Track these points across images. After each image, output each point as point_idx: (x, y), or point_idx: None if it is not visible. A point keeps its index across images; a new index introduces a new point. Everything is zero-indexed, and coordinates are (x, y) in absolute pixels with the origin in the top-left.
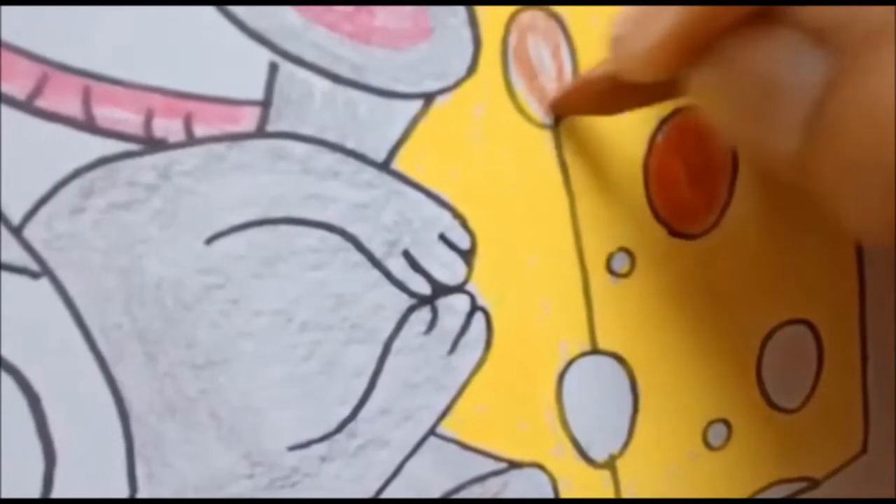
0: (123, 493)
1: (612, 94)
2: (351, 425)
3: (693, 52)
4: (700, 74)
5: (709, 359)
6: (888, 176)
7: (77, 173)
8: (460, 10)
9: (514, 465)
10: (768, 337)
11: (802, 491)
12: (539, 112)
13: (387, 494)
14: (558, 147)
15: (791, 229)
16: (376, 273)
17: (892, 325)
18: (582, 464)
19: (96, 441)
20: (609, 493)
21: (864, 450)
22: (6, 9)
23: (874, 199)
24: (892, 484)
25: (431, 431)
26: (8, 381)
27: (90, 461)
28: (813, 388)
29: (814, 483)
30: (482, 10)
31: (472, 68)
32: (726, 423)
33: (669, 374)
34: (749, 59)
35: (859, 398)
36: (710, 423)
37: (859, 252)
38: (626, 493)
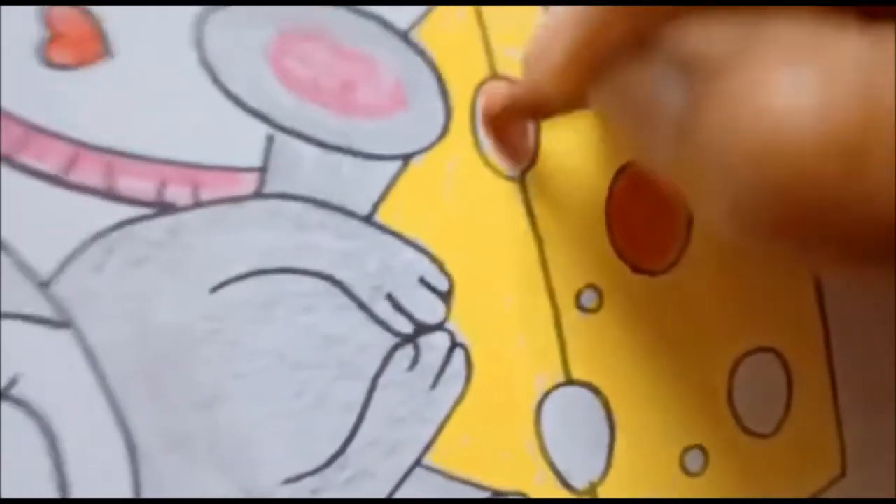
0: None
1: (532, 109)
2: (341, 458)
3: (589, 72)
4: (596, 92)
5: (680, 387)
6: (725, 184)
7: (99, 235)
8: (433, 84)
9: (497, 493)
10: (736, 364)
11: None
12: (506, 166)
13: None
14: (525, 196)
15: (749, 262)
16: (362, 315)
17: (859, 347)
18: (563, 491)
19: (107, 477)
20: None
21: (842, 473)
22: (40, 93)
23: (716, 202)
24: None
25: (417, 463)
26: (30, 423)
27: (100, 496)
28: (785, 413)
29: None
30: (452, 83)
31: (444, 131)
32: (702, 449)
33: (643, 403)
34: (629, 82)
35: (832, 421)
36: (686, 449)
37: (817, 281)
38: None
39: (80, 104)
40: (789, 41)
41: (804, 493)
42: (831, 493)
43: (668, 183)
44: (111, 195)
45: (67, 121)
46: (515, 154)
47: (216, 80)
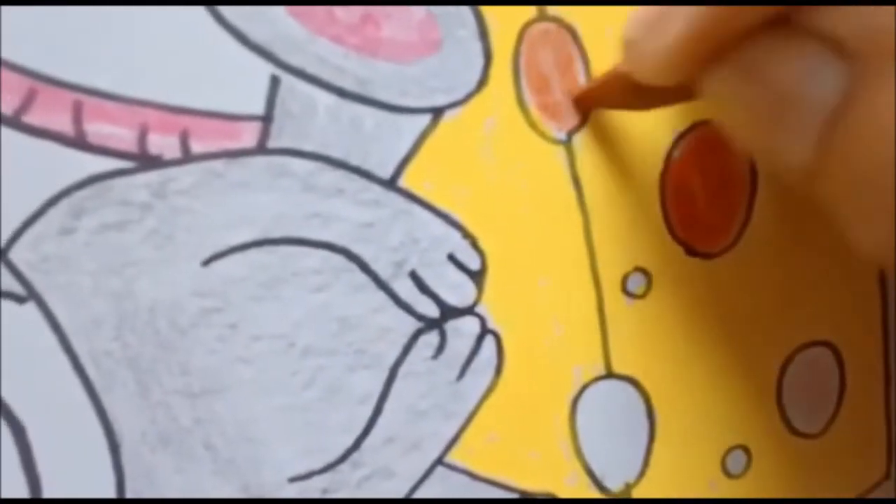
0: None
1: (631, 91)
2: (355, 455)
3: (708, 55)
4: (715, 79)
5: (727, 383)
6: (891, 197)
7: (67, 192)
8: (470, 22)
9: (525, 495)
10: (789, 360)
11: None
12: (552, 127)
13: None
14: (572, 163)
15: (812, 248)
16: (382, 295)
17: None
18: (596, 493)
19: (84, 474)
20: None
21: (887, 475)
22: None
23: (877, 218)
24: None
25: (439, 461)
26: None
27: (77, 495)
28: (835, 413)
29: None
30: (493, 22)
31: (482, 82)
32: (745, 449)
33: (687, 399)
34: (766, 66)
35: (882, 422)
36: (730, 449)
37: (881, 271)
38: None
39: (44, 30)
40: None
41: (848, 496)
42: (875, 496)
43: (734, 149)
44: (80, 143)
45: (27, 52)
46: None
47: (211, 8)
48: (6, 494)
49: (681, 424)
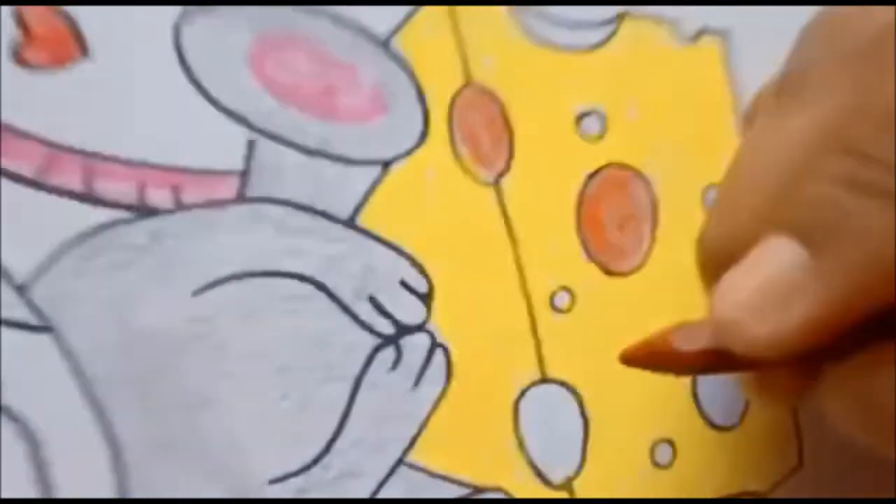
0: None
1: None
2: (326, 458)
3: (830, 339)
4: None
5: (649, 383)
6: None
7: (79, 238)
8: (411, 91)
9: (478, 489)
10: None
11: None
12: (482, 172)
13: None
14: (500, 201)
15: None
16: (345, 317)
17: None
18: (540, 486)
19: (92, 482)
20: None
21: (800, 463)
22: (15, 94)
23: None
24: (833, 495)
25: (401, 461)
26: (11, 429)
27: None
28: (746, 406)
29: (758, 497)
30: (430, 90)
31: (422, 138)
32: (671, 442)
33: (615, 399)
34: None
35: (790, 413)
36: (656, 443)
37: None
38: None
39: (57, 105)
40: None
41: (767, 483)
42: (791, 484)
43: (636, 186)
44: (90, 198)
45: (44, 122)
46: None
47: (196, 83)
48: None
49: (611, 421)
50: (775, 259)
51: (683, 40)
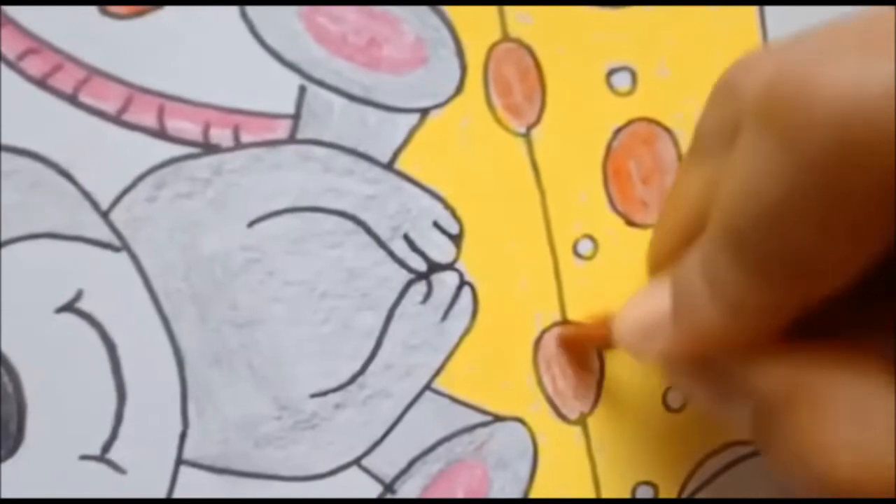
0: (177, 428)
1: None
2: (361, 378)
3: (681, 363)
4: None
5: None
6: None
7: (152, 170)
8: (450, 43)
9: (498, 418)
10: None
11: (753, 454)
12: (514, 123)
13: (390, 440)
14: (530, 151)
15: None
16: (382, 252)
17: None
18: (556, 420)
19: (158, 384)
20: (581, 447)
21: None
22: (99, 41)
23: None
24: None
25: (428, 386)
26: (92, 333)
27: (152, 400)
28: None
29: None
30: (468, 43)
31: (459, 89)
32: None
33: None
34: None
35: None
36: (670, 387)
37: None
38: (597, 448)
39: (135, 51)
40: (833, 395)
41: None
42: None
43: (661, 140)
44: (162, 135)
45: (123, 66)
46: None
47: (255, 34)
48: (99, 398)
49: (626, 365)
50: (654, 301)
51: None
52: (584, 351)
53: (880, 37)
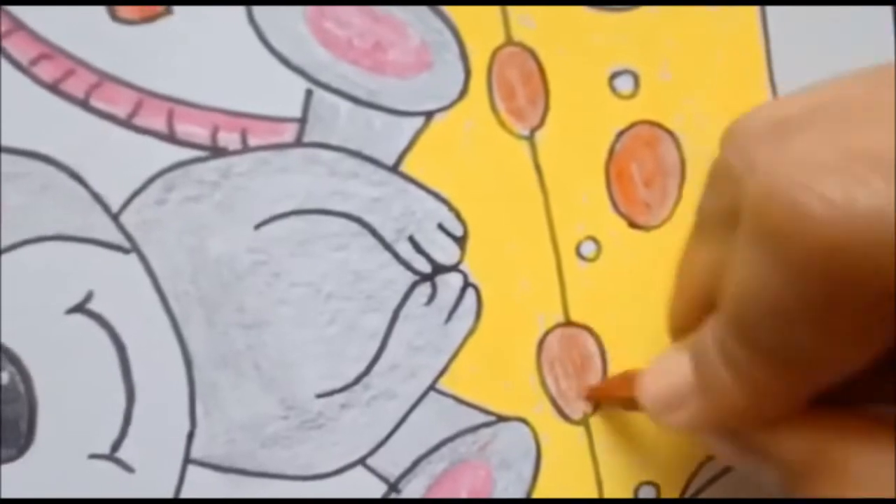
0: (185, 429)
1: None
2: (366, 379)
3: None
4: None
5: (667, 335)
6: None
7: (161, 173)
8: (454, 47)
9: (501, 418)
10: None
11: None
12: (517, 126)
13: (394, 440)
14: (534, 154)
15: None
16: (387, 254)
17: None
18: (560, 420)
19: (166, 385)
20: (584, 447)
21: None
22: (110, 46)
23: None
24: None
25: (432, 387)
26: (102, 334)
27: (161, 401)
28: None
29: None
30: (472, 47)
31: (463, 92)
32: None
33: (634, 345)
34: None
35: None
36: None
37: None
38: (599, 448)
39: (145, 56)
40: (852, 466)
41: None
42: None
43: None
44: (171, 138)
45: (134, 70)
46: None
47: (262, 38)
48: (109, 399)
49: (629, 365)
50: (677, 371)
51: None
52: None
53: (865, 153)
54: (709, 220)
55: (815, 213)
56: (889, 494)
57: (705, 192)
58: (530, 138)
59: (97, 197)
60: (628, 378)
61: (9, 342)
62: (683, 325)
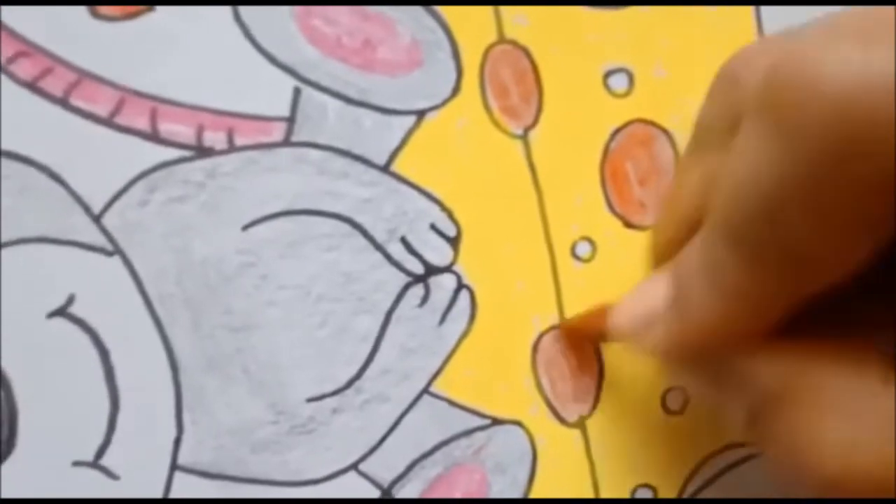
0: (172, 435)
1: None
2: (358, 383)
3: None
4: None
5: None
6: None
7: (144, 174)
8: (446, 45)
9: (496, 421)
10: None
11: (752, 456)
12: (511, 125)
13: (387, 444)
14: (528, 153)
15: None
16: (378, 255)
17: None
18: (555, 423)
19: (152, 389)
20: (580, 450)
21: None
22: (90, 43)
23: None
24: None
25: (425, 390)
26: (84, 339)
27: (146, 407)
28: None
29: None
30: (464, 45)
31: (455, 90)
32: (683, 389)
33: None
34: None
35: None
36: (669, 389)
37: None
38: (596, 451)
39: (126, 53)
40: (829, 391)
41: None
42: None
43: (659, 142)
44: (154, 138)
45: (115, 68)
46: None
47: (249, 36)
48: (92, 405)
49: (626, 366)
50: (654, 292)
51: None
52: (585, 351)
53: (880, 25)
54: (706, 132)
55: (825, 78)
56: (859, 426)
57: (704, 105)
58: (524, 137)
59: (78, 198)
60: (604, 310)
61: None
62: (665, 254)
